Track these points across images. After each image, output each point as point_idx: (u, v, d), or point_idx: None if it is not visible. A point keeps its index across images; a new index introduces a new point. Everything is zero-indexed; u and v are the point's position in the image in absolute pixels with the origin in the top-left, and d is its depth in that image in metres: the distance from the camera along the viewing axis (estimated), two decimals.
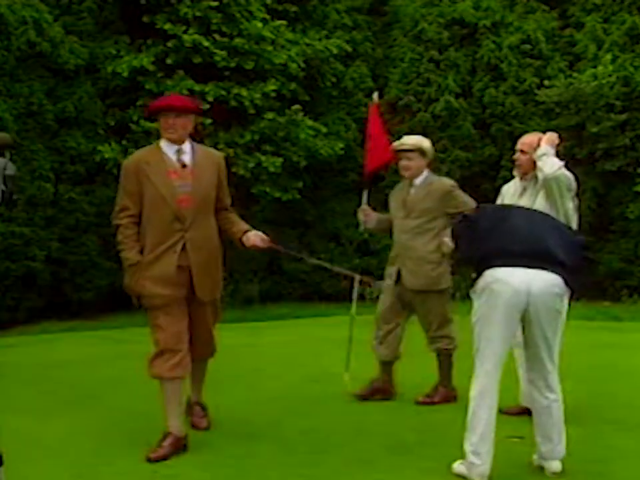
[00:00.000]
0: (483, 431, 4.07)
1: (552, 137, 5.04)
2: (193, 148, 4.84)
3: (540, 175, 4.89)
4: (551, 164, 4.85)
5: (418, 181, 5.76)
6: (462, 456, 4.17)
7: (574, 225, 4.97)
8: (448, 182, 5.86)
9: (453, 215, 5.65)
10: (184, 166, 4.74)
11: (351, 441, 4.92)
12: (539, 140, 5.04)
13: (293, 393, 6.18)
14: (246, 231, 4.92)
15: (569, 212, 4.93)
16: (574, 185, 4.99)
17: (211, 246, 4.81)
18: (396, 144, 5.84)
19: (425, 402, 5.73)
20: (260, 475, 4.33)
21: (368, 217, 6.07)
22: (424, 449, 4.71)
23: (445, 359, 5.78)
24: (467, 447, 4.12)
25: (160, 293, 4.63)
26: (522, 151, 5.18)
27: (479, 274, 4.18)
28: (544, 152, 4.90)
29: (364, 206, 6.14)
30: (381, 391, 5.84)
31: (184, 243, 4.66)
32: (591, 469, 4.26)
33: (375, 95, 6.46)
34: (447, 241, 5.59)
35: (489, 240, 4.20)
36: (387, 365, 5.84)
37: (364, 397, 5.79)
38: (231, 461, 4.54)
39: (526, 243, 4.13)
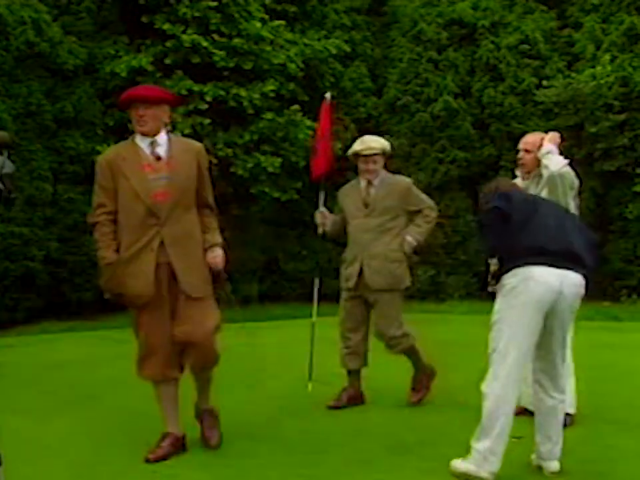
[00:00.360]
0: (500, 432, 4.03)
1: (554, 136, 5.11)
2: (169, 139, 4.62)
3: (545, 172, 4.94)
4: (556, 161, 4.91)
5: (376, 180, 5.69)
6: (462, 454, 4.15)
7: None
8: (405, 180, 5.84)
9: (413, 212, 5.67)
10: (158, 158, 4.54)
11: (350, 440, 4.92)
12: (542, 139, 5.10)
13: (293, 392, 6.17)
14: (212, 245, 4.63)
15: (571, 210, 4.95)
16: (576, 183, 5.05)
17: (192, 241, 4.57)
18: (363, 148, 5.66)
19: (416, 399, 5.69)
20: (260, 475, 4.32)
21: (326, 219, 5.95)
22: (423, 449, 4.71)
23: (413, 354, 5.71)
24: (480, 446, 4.05)
25: (141, 292, 4.47)
26: (526, 150, 5.22)
27: (508, 270, 4.08)
28: (548, 150, 4.96)
29: (321, 208, 6.03)
30: (353, 398, 5.74)
31: (161, 239, 4.46)
32: (590, 468, 4.26)
33: (328, 95, 6.34)
34: (410, 239, 5.61)
35: (521, 235, 4.09)
36: (356, 373, 5.76)
37: (337, 407, 5.66)
38: (231, 460, 4.53)
39: (558, 242, 4.08)
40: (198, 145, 4.79)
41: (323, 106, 6.32)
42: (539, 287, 4.01)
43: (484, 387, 4.11)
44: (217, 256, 4.62)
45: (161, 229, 4.47)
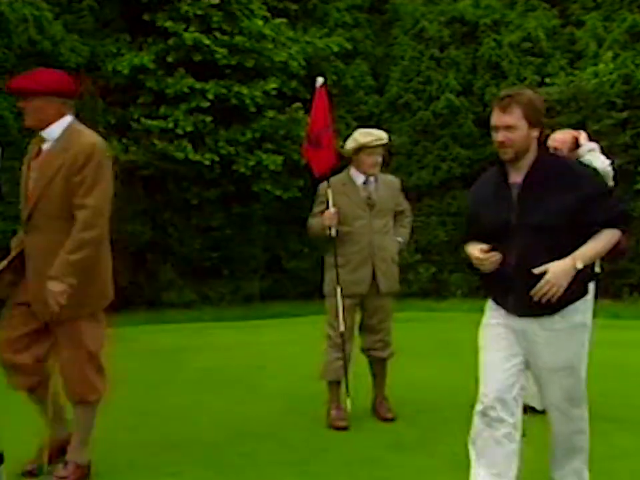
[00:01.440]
0: None
1: (584, 135, 5.12)
2: (63, 135, 3.98)
3: None
4: (602, 159, 4.90)
5: (373, 177, 5.34)
6: (462, 453, 4.12)
7: None
8: (396, 179, 5.61)
9: (398, 213, 5.47)
10: (37, 154, 4.01)
11: (351, 438, 4.93)
12: (573, 137, 5.08)
13: (294, 391, 6.18)
14: (49, 278, 3.81)
15: None
16: (611, 185, 5.04)
17: (53, 257, 3.82)
18: (372, 140, 5.18)
19: (391, 415, 5.34)
20: (260, 473, 4.33)
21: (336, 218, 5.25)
22: (424, 447, 4.72)
23: (386, 366, 5.45)
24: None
25: (18, 295, 4.06)
26: (555, 148, 5.19)
27: (582, 297, 3.50)
28: (592, 147, 4.95)
29: (332, 208, 5.23)
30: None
31: (24, 247, 3.99)
32: (591, 467, 4.24)
33: (320, 79, 5.50)
34: (401, 241, 5.45)
35: None
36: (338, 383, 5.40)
37: (345, 428, 5.21)
38: (232, 459, 4.54)
39: None
40: (87, 143, 4.01)
41: (316, 92, 5.43)
42: None
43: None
44: (50, 292, 3.80)
45: (25, 236, 4.00)
